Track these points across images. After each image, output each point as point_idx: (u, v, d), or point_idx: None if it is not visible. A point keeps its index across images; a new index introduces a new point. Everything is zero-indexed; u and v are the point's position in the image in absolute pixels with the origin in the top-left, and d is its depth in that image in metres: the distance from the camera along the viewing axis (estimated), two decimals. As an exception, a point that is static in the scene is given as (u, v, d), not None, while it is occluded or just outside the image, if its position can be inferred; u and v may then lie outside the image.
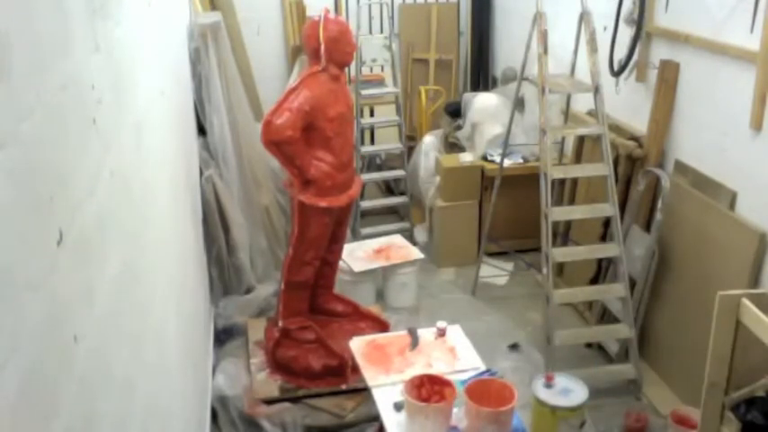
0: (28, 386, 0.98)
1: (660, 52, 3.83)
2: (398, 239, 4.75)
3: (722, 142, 3.37)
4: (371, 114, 5.76)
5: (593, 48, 3.72)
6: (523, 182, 4.57)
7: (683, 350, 3.58)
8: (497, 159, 4.61)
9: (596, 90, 3.73)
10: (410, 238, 5.13)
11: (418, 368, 2.94)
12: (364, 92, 5.23)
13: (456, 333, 3.22)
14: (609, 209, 3.70)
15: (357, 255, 4.48)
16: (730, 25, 3.26)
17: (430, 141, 5.52)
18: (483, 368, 2.96)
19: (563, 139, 4.72)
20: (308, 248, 3.54)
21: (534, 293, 4.56)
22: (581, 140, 4.47)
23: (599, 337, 3.95)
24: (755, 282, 3.13)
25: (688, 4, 3.58)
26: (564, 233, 4.57)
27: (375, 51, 5.35)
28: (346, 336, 3.44)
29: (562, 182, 4.62)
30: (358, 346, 3.16)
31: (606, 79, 3.94)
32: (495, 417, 2.46)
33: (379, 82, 5.58)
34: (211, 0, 5.23)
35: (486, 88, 6.15)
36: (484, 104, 5.14)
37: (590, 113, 4.35)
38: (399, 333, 3.31)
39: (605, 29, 4.12)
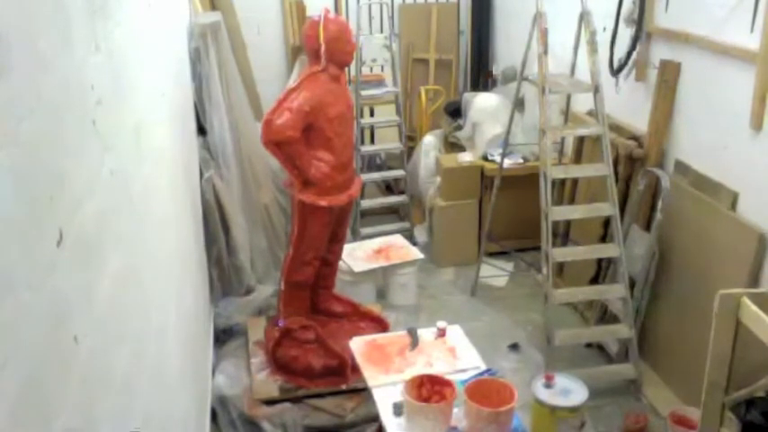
0: (28, 386, 0.98)
1: (660, 52, 3.83)
2: (398, 239, 4.75)
3: (722, 142, 3.37)
4: (371, 114, 5.75)
5: (593, 48, 3.72)
6: (523, 182, 4.57)
7: (683, 350, 3.57)
8: (497, 159, 4.61)
9: (596, 90, 3.73)
10: (410, 238, 5.13)
11: (418, 368, 2.93)
12: (364, 92, 5.22)
13: (456, 333, 3.22)
14: (609, 209, 3.70)
15: (357, 255, 4.48)
16: (730, 25, 3.26)
17: (430, 141, 5.52)
18: (483, 368, 2.96)
19: (563, 139, 4.72)
20: (308, 248, 3.54)
21: (534, 293, 4.56)
22: (581, 140, 4.47)
23: (599, 337, 3.95)
24: (755, 282, 3.13)
25: (688, 4, 3.58)
26: (564, 233, 4.57)
27: (375, 51, 5.35)
28: (346, 336, 3.44)
29: (562, 182, 4.61)
30: (358, 346, 3.16)
31: (606, 79, 3.94)
32: (495, 417, 2.46)
33: (379, 82, 5.58)
34: (211, 0, 5.23)
35: (486, 88, 6.15)
36: (484, 104, 5.14)
37: (590, 113, 4.35)
38: (399, 333, 3.31)
39: (605, 29, 4.12)
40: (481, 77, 6.34)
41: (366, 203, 5.33)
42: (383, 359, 3.04)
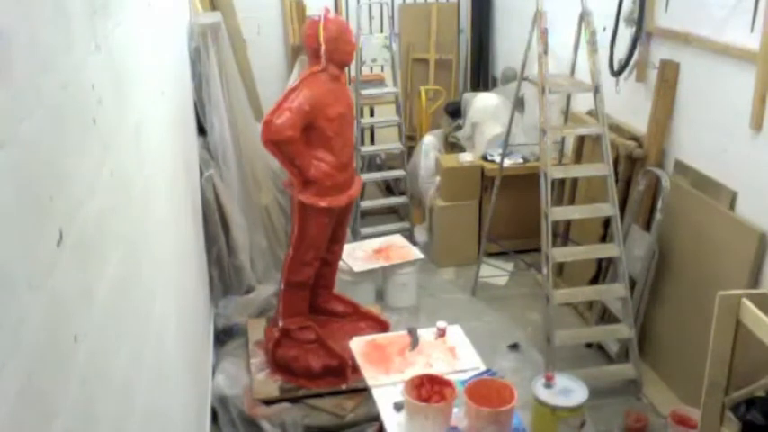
0: (28, 386, 0.98)
1: (660, 52, 3.83)
2: (398, 239, 4.75)
3: (722, 142, 3.37)
4: (371, 114, 5.75)
5: (593, 48, 3.72)
6: (523, 182, 4.57)
7: (683, 350, 3.58)
8: (497, 159, 4.61)
9: (596, 90, 3.73)
10: (410, 238, 5.13)
11: (418, 368, 2.93)
12: (364, 92, 5.22)
13: (456, 333, 3.22)
14: (609, 209, 3.70)
15: (357, 255, 4.48)
16: (730, 25, 3.26)
17: (430, 141, 5.52)
18: (483, 368, 2.96)
19: (563, 139, 4.72)
20: (308, 248, 3.54)
21: (534, 293, 4.56)
22: (581, 140, 4.47)
23: (599, 337, 3.95)
24: (755, 282, 3.13)
25: (688, 4, 3.58)
26: (564, 233, 4.57)
27: (375, 51, 5.35)
28: (346, 336, 3.44)
29: (562, 182, 4.62)
30: (358, 346, 3.16)
31: (606, 79, 3.94)
32: (495, 417, 2.46)
33: (379, 82, 5.58)
34: (211, 0, 5.23)
35: (486, 88, 6.15)
36: (484, 104, 5.15)
37: (590, 113, 4.35)
38: (399, 333, 3.31)
39: (605, 29, 4.12)
40: (481, 77, 6.35)
41: (366, 204, 5.33)
42: (383, 359, 3.04)
